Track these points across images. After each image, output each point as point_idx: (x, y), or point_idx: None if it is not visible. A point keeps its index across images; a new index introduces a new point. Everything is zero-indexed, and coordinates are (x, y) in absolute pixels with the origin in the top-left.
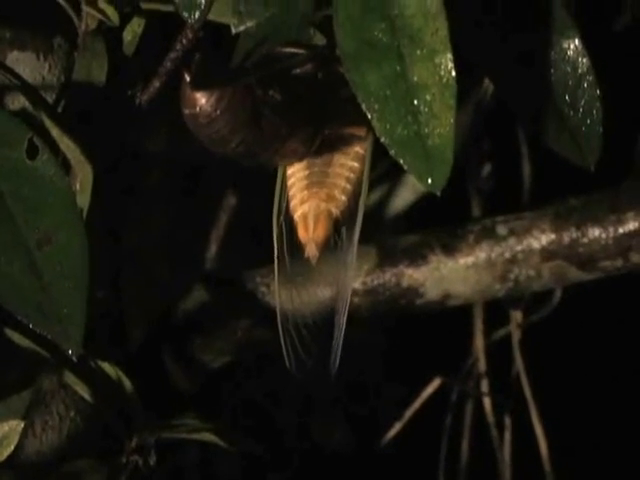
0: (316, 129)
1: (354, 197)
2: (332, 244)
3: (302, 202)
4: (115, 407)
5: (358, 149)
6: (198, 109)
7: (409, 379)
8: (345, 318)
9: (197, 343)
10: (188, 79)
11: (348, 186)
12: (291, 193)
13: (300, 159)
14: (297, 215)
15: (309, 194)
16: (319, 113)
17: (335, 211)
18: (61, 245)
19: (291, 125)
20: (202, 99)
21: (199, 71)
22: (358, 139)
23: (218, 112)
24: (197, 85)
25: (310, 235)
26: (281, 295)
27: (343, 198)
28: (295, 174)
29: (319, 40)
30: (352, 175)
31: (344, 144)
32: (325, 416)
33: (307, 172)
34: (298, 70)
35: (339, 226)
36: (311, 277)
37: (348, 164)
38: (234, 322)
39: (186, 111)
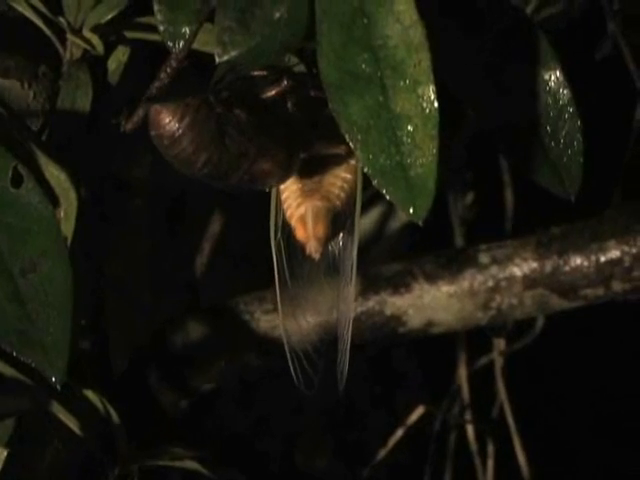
0: (292, 151)
1: (349, 207)
2: (330, 258)
3: (298, 206)
4: (99, 435)
5: (350, 160)
6: (162, 129)
7: (394, 407)
8: (349, 332)
9: (182, 370)
10: (152, 100)
11: (342, 194)
12: (286, 205)
13: (280, 182)
14: (294, 220)
15: (304, 198)
16: (296, 136)
17: (332, 210)
18: (45, 273)
19: (260, 146)
20: (165, 119)
21: (163, 93)
22: (349, 153)
23: (180, 131)
24: (159, 105)
25: (310, 233)
26: (283, 313)
27: (337, 203)
28: (289, 187)
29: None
30: (345, 185)
31: (335, 157)
32: (311, 443)
33: (300, 184)
34: (273, 92)
35: (336, 229)
36: (312, 294)
37: (341, 175)
38: (218, 349)
39: (152, 132)
